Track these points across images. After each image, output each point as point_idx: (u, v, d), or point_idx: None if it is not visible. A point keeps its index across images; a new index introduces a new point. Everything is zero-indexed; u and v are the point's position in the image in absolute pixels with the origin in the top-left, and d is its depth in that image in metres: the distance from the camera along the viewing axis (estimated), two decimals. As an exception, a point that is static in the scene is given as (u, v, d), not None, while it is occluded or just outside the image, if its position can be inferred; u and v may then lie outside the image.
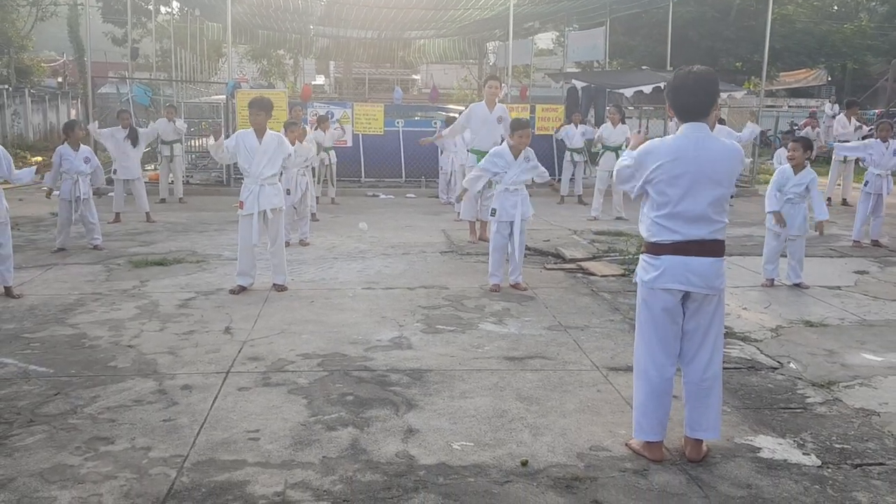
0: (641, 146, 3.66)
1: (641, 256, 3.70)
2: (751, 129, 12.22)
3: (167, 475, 3.44)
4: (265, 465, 3.55)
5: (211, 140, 6.92)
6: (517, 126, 7.08)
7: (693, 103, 3.56)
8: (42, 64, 40.02)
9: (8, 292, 6.56)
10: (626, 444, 3.83)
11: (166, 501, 3.22)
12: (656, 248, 3.59)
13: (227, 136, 14.18)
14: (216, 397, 4.36)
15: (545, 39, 41.54)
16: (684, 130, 3.59)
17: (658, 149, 3.58)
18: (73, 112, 31.05)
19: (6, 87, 25.12)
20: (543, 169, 7.31)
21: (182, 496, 3.26)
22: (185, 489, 3.32)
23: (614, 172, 3.87)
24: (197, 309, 6.25)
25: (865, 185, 9.64)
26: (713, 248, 3.58)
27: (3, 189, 7.18)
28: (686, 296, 3.59)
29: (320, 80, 47.60)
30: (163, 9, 28.70)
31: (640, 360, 3.72)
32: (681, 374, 3.76)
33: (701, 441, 3.70)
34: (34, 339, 5.42)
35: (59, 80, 41.15)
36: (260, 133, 6.67)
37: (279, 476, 3.44)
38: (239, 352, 5.16)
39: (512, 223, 6.96)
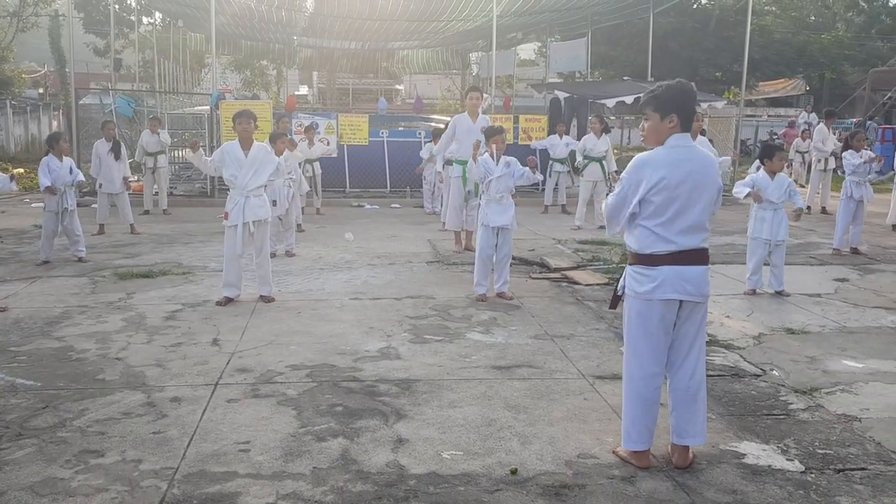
0: (634, 161, 3.67)
1: (631, 268, 3.72)
2: (725, 160, 12.33)
3: (158, 487, 3.45)
4: (256, 477, 3.56)
5: (189, 152, 6.92)
6: (490, 133, 7.17)
7: (691, 114, 3.67)
8: (23, 75, 39.75)
9: (-7, 306, 6.53)
10: (614, 452, 3.88)
11: (158, 513, 3.23)
12: (651, 260, 3.62)
13: (211, 148, 14.25)
14: (205, 409, 4.37)
15: (527, 50, 41.81)
16: (675, 141, 3.62)
17: (654, 160, 3.60)
18: (55, 123, 30.88)
19: (-13, 98, 24.97)
20: (524, 170, 7.17)
21: (174, 508, 3.27)
22: (177, 501, 3.33)
23: (605, 212, 3.81)
24: (184, 321, 6.24)
25: (849, 195, 9.74)
26: (703, 257, 3.67)
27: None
28: (678, 304, 3.66)
29: (303, 90, 47.61)
30: (145, 19, 28.58)
31: (631, 370, 3.76)
32: (667, 382, 3.82)
33: (688, 448, 3.76)
34: (20, 352, 5.40)
35: (41, 91, 40.88)
36: (246, 144, 6.69)
37: (270, 487, 3.46)
38: (227, 363, 5.17)
39: (498, 233, 7.01)
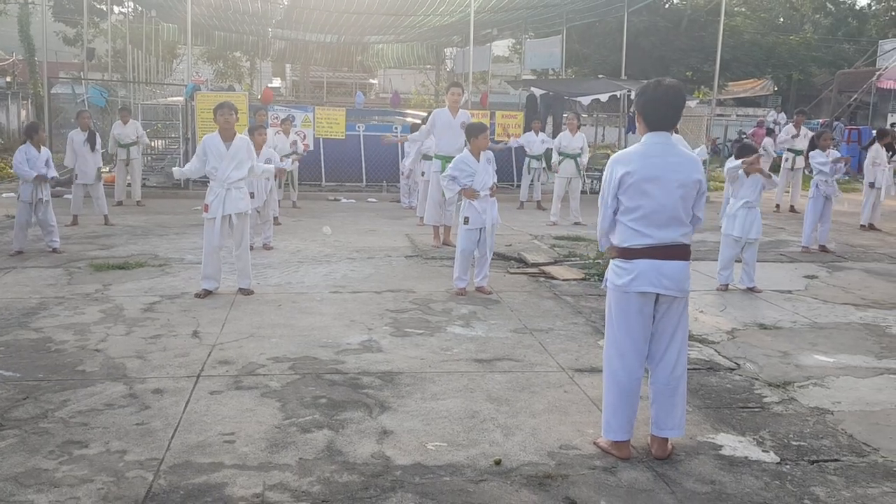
0: (611, 158, 3.81)
1: (612, 261, 3.82)
2: (701, 149, 12.50)
3: (144, 478, 3.45)
4: (242, 468, 3.58)
5: (175, 170, 7.05)
6: (477, 130, 7.22)
7: (668, 115, 3.74)
8: (-10, 63, 38.98)
9: (-34, 296, 6.45)
10: (595, 443, 3.95)
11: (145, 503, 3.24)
12: (629, 253, 3.72)
13: (185, 140, 14.11)
14: (188, 401, 4.37)
15: (501, 47, 41.90)
16: (651, 139, 3.74)
17: (624, 156, 3.75)
18: (23, 113, 30.35)
19: (-48, 86, 24.47)
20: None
21: (161, 498, 3.28)
22: (164, 491, 3.34)
23: (598, 228, 3.92)
24: (162, 313, 6.22)
25: (815, 189, 9.97)
26: (682, 252, 3.75)
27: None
28: (656, 298, 3.74)
29: (276, 82, 47.29)
30: (116, 8, 28.17)
31: (611, 363, 3.84)
32: (647, 374, 3.90)
33: (667, 439, 3.85)
34: (-3, 343, 5.35)
35: (8, 79, 40.15)
36: (228, 136, 6.66)
37: (257, 478, 3.48)
38: (208, 356, 5.17)
39: (481, 229, 7.07)
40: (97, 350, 5.24)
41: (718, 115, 31.37)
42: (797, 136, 14.58)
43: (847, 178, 19.14)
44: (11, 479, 3.41)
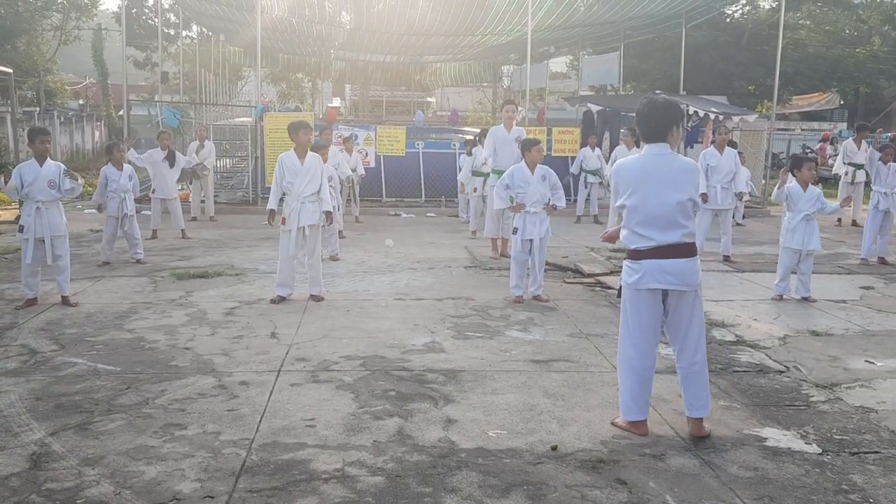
0: (615, 165, 4.24)
1: (624, 262, 4.27)
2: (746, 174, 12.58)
3: (238, 454, 3.89)
4: (323, 447, 3.99)
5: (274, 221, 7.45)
6: (530, 144, 7.61)
7: (655, 127, 4.16)
8: (66, 87, 41.05)
9: (65, 301, 7.06)
10: (613, 423, 4.37)
11: (241, 475, 3.66)
12: (636, 254, 4.17)
13: (254, 158, 14.76)
14: (272, 392, 4.81)
15: (558, 63, 42.18)
16: (647, 149, 4.20)
17: (627, 165, 4.22)
18: (97, 134, 31.94)
19: (36, 109, 25.90)
20: (562, 193, 7.69)
21: (254, 471, 3.70)
22: (256, 465, 3.77)
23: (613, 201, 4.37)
24: (242, 317, 6.72)
25: (876, 205, 10.03)
26: (684, 250, 4.12)
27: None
28: (665, 293, 4.15)
29: (336, 102, 48.42)
30: (185, 32, 29.50)
31: (626, 352, 4.28)
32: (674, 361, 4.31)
33: (701, 419, 4.24)
34: (97, 342, 5.90)
35: (81, 101, 42.19)
36: (302, 154, 7.18)
37: (337, 456, 3.88)
38: (286, 353, 5.62)
39: (532, 241, 7.41)
40: (186, 348, 5.74)
41: (782, 129, 31.02)
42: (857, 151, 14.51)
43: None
44: (124, 454, 3.89)
